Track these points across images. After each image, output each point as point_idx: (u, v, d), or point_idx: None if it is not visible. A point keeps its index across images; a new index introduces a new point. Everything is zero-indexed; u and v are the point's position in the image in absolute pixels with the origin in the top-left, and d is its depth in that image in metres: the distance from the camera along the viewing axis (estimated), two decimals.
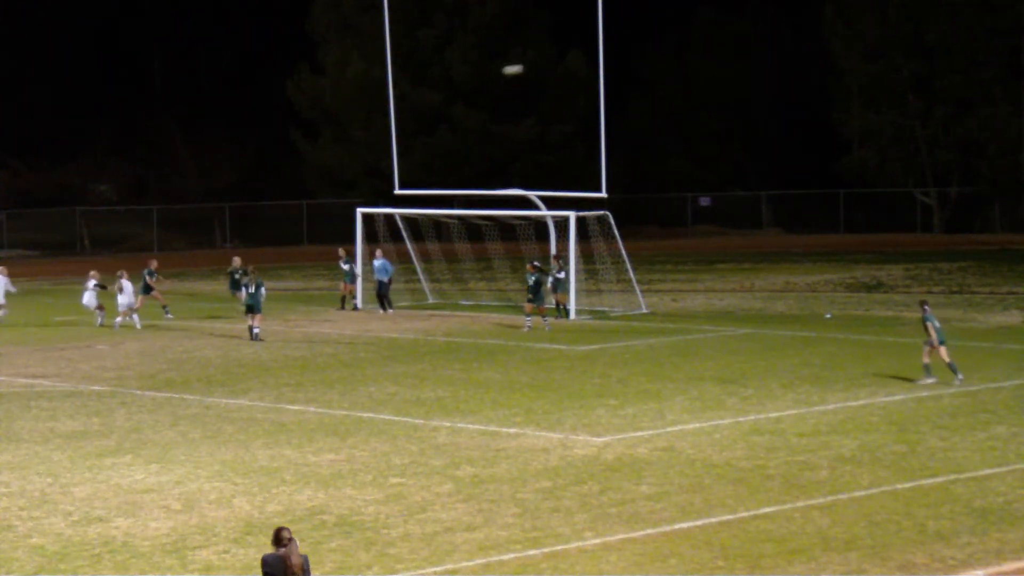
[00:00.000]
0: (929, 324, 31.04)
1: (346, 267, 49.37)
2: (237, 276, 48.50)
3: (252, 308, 40.87)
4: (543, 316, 42.63)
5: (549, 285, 45.17)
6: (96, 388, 32.74)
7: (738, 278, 59.81)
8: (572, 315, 45.42)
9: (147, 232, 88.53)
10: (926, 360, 31.14)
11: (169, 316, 47.13)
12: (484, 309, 48.64)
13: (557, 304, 45.42)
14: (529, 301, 42.63)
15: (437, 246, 54.39)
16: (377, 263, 48.16)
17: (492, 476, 22.76)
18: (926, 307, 31.70)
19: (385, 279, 47.95)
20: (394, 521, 20.11)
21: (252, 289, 40.96)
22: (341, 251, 50.22)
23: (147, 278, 47.30)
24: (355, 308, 48.94)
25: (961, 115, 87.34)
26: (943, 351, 30.90)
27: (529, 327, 42.07)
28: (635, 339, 39.95)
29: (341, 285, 49.97)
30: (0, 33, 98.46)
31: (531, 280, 42.61)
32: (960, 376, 30.80)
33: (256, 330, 40.88)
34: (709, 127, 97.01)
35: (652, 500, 21.06)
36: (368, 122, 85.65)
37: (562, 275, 45.19)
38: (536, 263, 43.79)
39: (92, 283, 45.02)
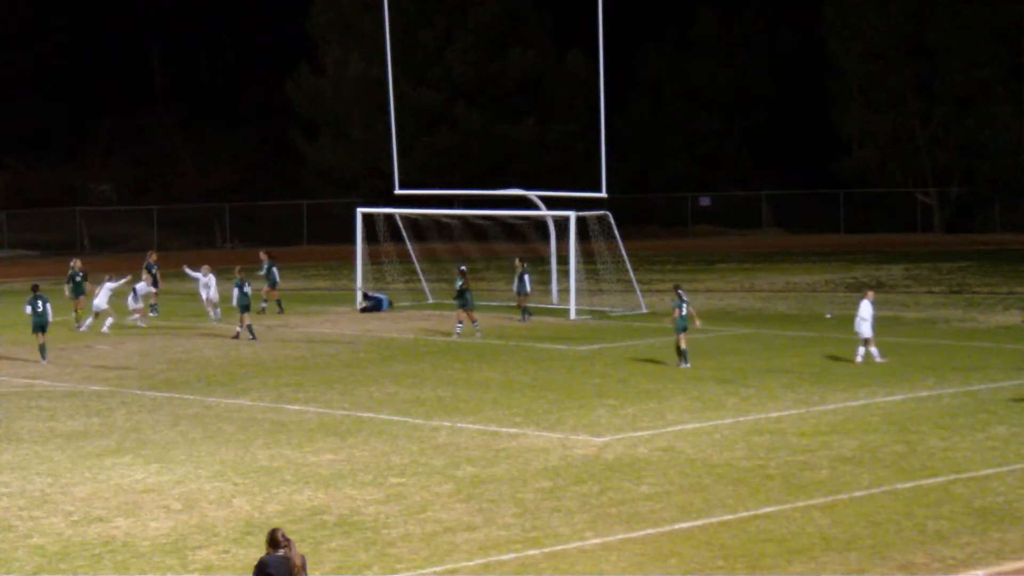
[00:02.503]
0: (676, 310, 33.57)
1: (270, 270, 48.46)
2: (78, 279, 45.62)
3: (247, 307, 41.28)
4: (459, 321, 41.54)
5: (515, 288, 45.17)
6: (96, 388, 32.75)
7: (738, 278, 59.80)
8: (572, 315, 45.42)
9: (147, 232, 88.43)
10: (683, 346, 33.63)
11: (153, 314, 47.30)
12: (484, 309, 48.59)
13: (521, 307, 44.95)
14: (461, 306, 41.56)
15: (437, 246, 54.36)
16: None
17: (492, 476, 22.77)
18: (680, 292, 34.27)
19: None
20: (394, 521, 20.12)
21: (247, 288, 41.41)
22: (263, 254, 49.85)
23: (149, 272, 47.44)
24: (266, 310, 48.09)
25: (961, 115, 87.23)
26: (681, 338, 33.68)
27: (459, 333, 41.25)
28: (635, 339, 39.94)
29: (264, 288, 48.63)
30: (0, 33, 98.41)
31: (458, 284, 41.91)
32: (687, 364, 33.50)
33: (239, 329, 41.32)
34: (709, 127, 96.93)
35: (652, 500, 21.07)
36: (368, 122, 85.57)
37: (525, 277, 44.79)
38: (463, 268, 43.45)
39: (111, 284, 44.59)
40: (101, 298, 44.07)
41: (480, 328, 41.67)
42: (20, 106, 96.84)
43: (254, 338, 40.83)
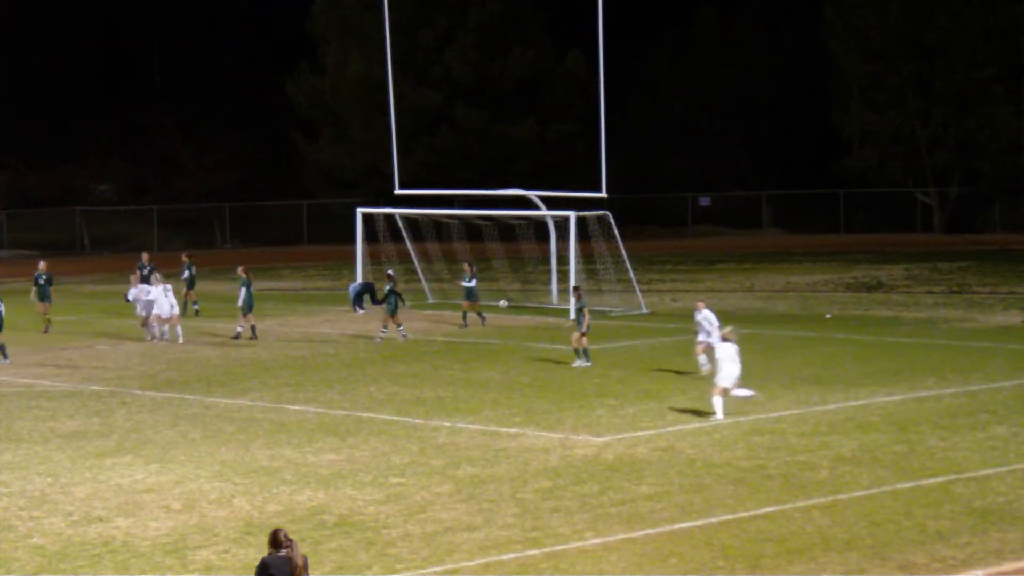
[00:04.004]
0: (585, 310, 34.36)
1: (188, 273, 47.57)
2: (41, 282, 43.80)
3: (251, 307, 41.36)
4: (384, 326, 40.38)
5: (461, 284, 44.38)
6: (96, 388, 32.74)
7: (738, 278, 59.79)
8: (572, 315, 45.30)
9: (147, 232, 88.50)
10: (575, 345, 34.44)
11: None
12: (484, 309, 48.56)
13: (475, 313, 43.79)
14: (390, 312, 40.24)
15: (437, 246, 54.37)
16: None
17: (492, 476, 22.77)
18: (580, 293, 35.26)
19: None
20: (394, 521, 20.12)
21: (252, 289, 41.45)
22: (184, 256, 49.12)
23: (141, 272, 46.88)
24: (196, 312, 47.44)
25: (961, 115, 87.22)
26: (583, 339, 34.30)
27: (381, 339, 40.13)
28: (635, 339, 39.94)
29: (184, 290, 47.43)
30: (0, 33, 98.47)
31: (386, 289, 40.66)
32: (589, 362, 34.10)
33: (239, 329, 41.31)
34: (709, 127, 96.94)
35: (652, 500, 21.07)
36: (368, 122, 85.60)
37: (472, 283, 43.64)
38: (391, 272, 42.43)
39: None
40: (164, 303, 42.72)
41: (405, 333, 40.49)
42: (20, 106, 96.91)
43: (254, 338, 40.86)
